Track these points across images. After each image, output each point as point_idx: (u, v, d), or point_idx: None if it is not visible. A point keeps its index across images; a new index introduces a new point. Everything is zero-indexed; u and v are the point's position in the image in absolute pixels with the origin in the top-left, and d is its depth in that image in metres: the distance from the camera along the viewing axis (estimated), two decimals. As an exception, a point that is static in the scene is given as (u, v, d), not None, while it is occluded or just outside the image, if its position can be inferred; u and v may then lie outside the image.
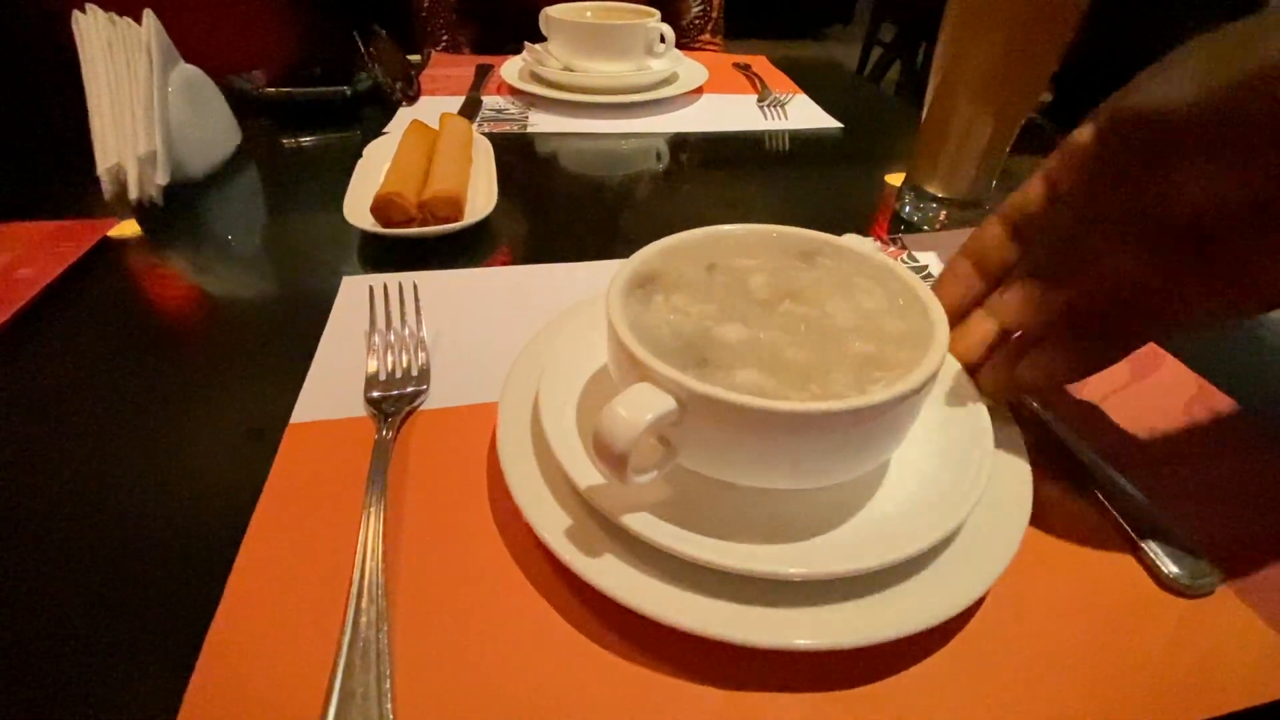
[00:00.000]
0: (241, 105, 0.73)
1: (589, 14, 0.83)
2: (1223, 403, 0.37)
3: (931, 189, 0.54)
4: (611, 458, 0.23)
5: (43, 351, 0.39)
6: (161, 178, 0.51)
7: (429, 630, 0.25)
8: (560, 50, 0.78)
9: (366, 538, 0.27)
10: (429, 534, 0.29)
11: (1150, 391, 0.38)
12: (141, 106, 0.50)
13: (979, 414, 0.30)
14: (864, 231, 0.54)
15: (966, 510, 0.26)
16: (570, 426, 0.29)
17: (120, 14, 0.54)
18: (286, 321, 0.43)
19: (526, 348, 0.34)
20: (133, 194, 0.50)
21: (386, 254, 0.49)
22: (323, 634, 0.24)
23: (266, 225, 0.54)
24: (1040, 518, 0.29)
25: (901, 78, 2.86)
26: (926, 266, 0.49)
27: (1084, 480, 0.32)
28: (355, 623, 0.24)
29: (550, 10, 0.78)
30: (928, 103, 0.52)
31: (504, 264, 0.49)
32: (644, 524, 0.24)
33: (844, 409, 0.22)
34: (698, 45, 1.19)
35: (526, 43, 0.80)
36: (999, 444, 0.30)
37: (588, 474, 0.26)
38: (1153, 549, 0.28)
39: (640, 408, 0.23)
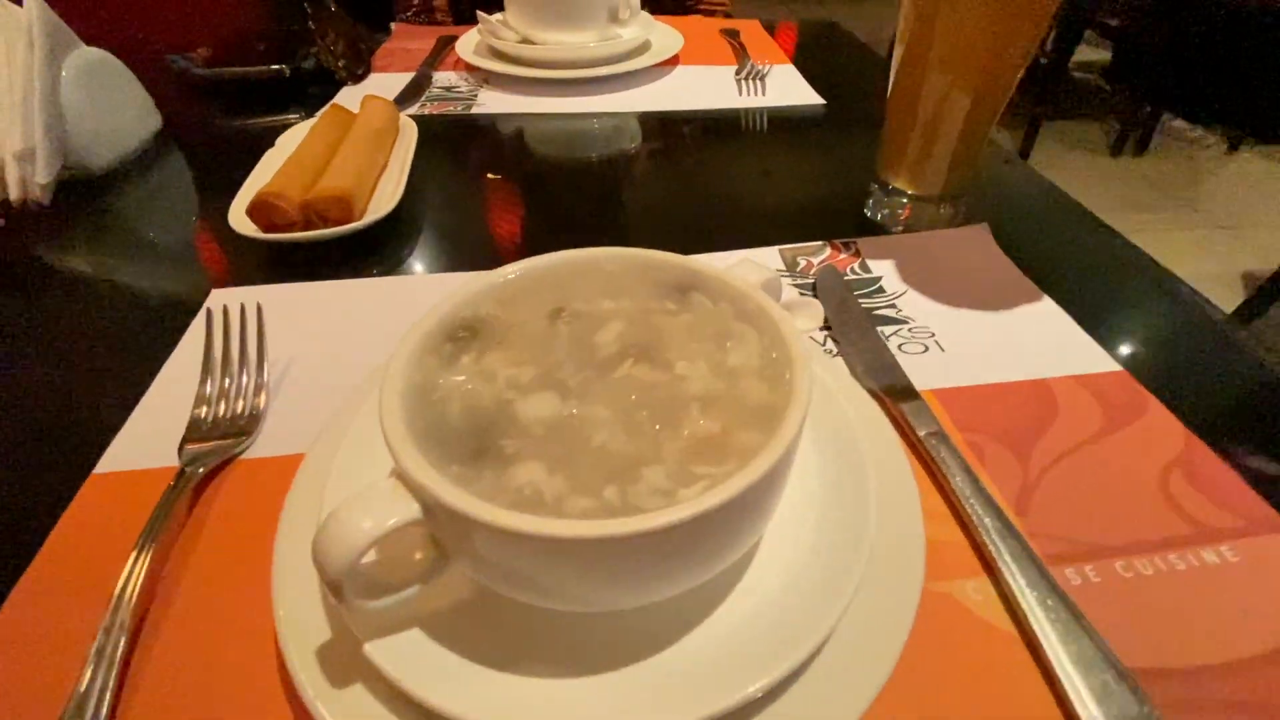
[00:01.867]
0: (179, 87, 0.69)
1: (550, -21, 0.75)
2: (1211, 468, 0.30)
3: (898, 184, 0.46)
4: (327, 579, 0.18)
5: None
6: (43, 176, 0.47)
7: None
8: (518, 20, 0.71)
9: (119, 606, 0.23)
10: (196, 612, 0.24)
11: (1125, 446, 0.31)
12: (20, 97, 0.46)
13: (864, 490, 0.24)
14: (830, 234, 0.46)
15: (817, 640, 0.20)
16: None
17: None
18: (144, 340, 0.39)
19: (343, 408, 0.29)
20: (13, 195, 0.46)
21: (272, 261, 0.44)
22: None
23: (154, 226, 0.50)
24: (932, 618, 0.23)
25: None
26: (879, 279, 0.42)
27: (995, 569, 0.25)
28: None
29: (506, -24, 0.71)
30: (891, 84, 0.45)
31: (410, 272, 0.44)
32: (393, 652, 0.19)
33: (612, 534, 0.17)
34: (704, 8, 1.10)
35: (480, 12, 0.73)
36: (891, 516, 0.24)
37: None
38: (1072, 680, 0.22)
39: (373, 515, 0.18)
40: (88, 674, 0.21)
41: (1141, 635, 0.24)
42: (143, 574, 0.24)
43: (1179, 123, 2.79)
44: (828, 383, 0.29)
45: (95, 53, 0.53)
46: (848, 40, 0.89)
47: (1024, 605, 0.24)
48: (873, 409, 0.30)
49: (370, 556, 0.18)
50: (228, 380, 0.32)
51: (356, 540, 0.17)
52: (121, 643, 0.22)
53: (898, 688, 0.22)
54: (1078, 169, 2.54)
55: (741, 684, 0.19)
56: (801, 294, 0.40)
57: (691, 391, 0.22)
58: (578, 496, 0.19)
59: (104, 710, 0.21)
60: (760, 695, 0.19)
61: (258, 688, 0.22)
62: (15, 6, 0.48)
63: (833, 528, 0.24)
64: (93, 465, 0.30)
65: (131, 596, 0.24)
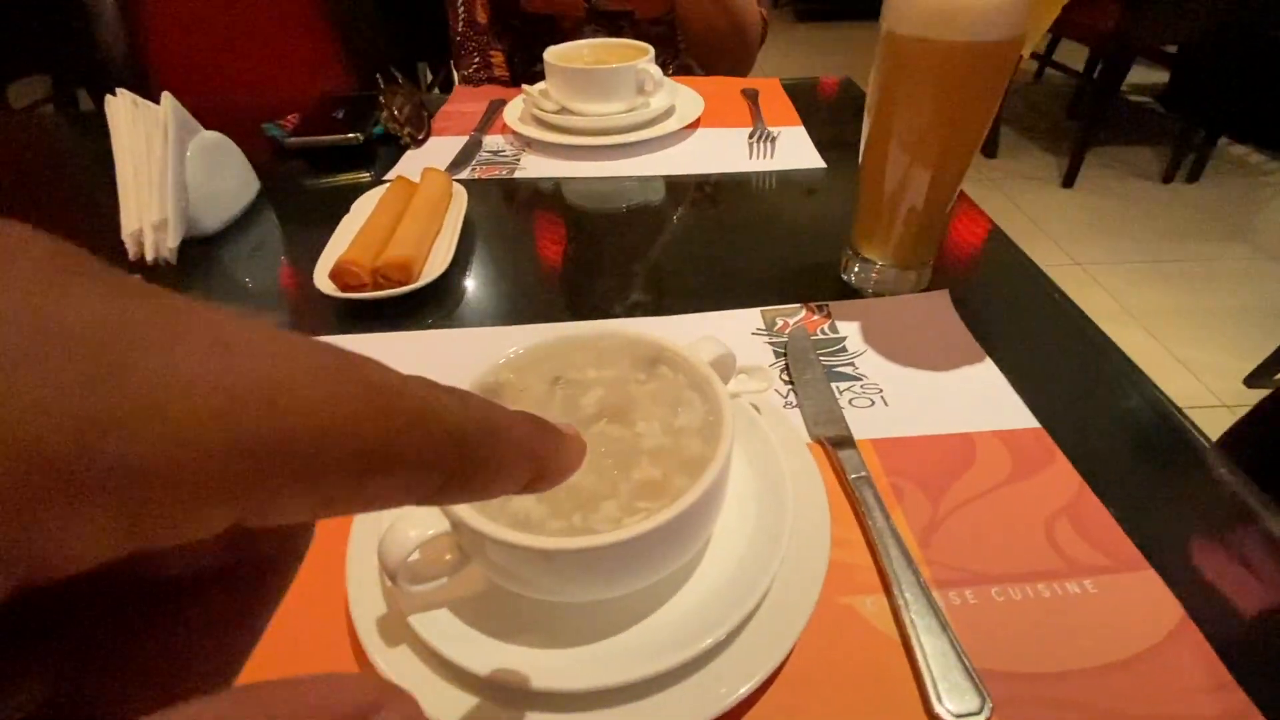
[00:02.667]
0: (273, 151, 0.82)
1: (585, 54, 0.85)
2: (1094, 515, 0.36)
3: (868, 253, 0.54)
4: (387, 569, 0.27)
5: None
6: (172, 241, 0.59)
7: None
8: (557, 92, 0.82)
9: None
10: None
11: (1025, 493, 0.38)
12: (156, 179, 0.58)
13: (783, 517, 0.32)
14: (813, 295, 0.54)
15: (734, 624, 0.28)
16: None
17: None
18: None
19: None
20: (149, 256, 0.58)
21: (348, 315, 0.54)
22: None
23: (256, 282, 0.61)
24: (833, 624, 0.31)
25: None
26: (844, 339, 0.49)
27: (890, 589, 0.32)
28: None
29: (549, 54, 0.81)
30: (860, 159, 0.52)
31: (458, 324, 0.53)
32: (429, 623, 0.28)
33: (569, 548, 0.25)
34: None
35: (525, 85, 0.84)
36: (808, 538, 0.32)
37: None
38: (931, 675, 0.29)
39: (413, 527, 0.27)
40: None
41: (998, 646, 0.31)
42: None
43: (1237, 149, 2.72)
44: (771, 437, 0.37)
45: (212, 136, 0.66)
46: (857, 96, 0.95)
47: (906, 617, 0.31)
48: (806, 456, 0.37)
49: (415, 555, 0.27)
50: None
51: (406, 543, 0.26)
52: None
53: (797, 676, 0.29)
54: (1127, 195, 2.50)
55: (665, 660, 0.27)
56: (776, 354, 0.48)
57: (645, 446, 0.30)
58: (554, 520, 0.27)
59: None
60: (688, 659, 0.27)
61: (332, 644, 0.31)
62: (154, 105, 0.61)
63: (758, 544, 0.32)
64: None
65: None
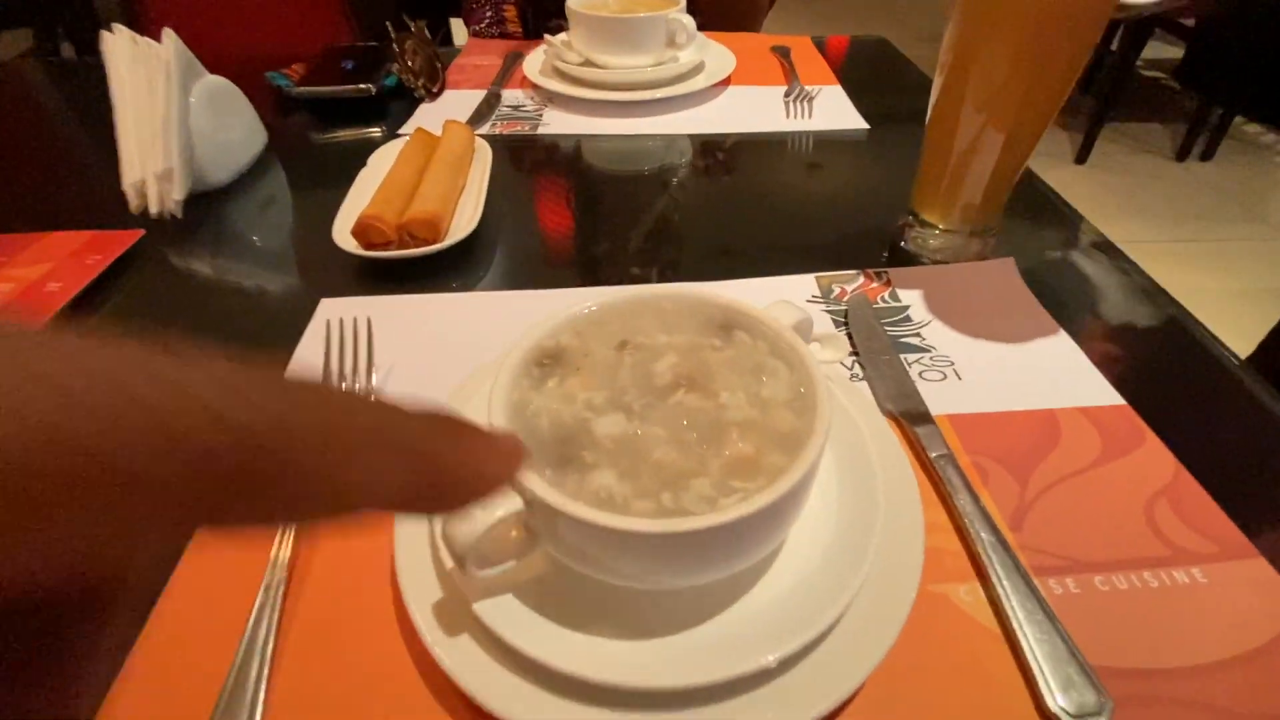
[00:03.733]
0: (278, 101, 0.77)
1: (612, 1, 0.80)
2: (1194, 499, 0.34)
3: (930, 218, 0.50)
4: (454, 554, 0.24)
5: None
6: (178, 193, 0.54)
7: (308, 681, 0.27)
8: (580, 42, 0.77)
9: (272, 577, 0.30)
10: (329, 583, 0.31)
11: (1118, 474, 0.35)
12: (160, 126, 0.54)
13: (874, 501, 0.29)
14: (865, 261, 0.51)
15: (828, 621, 0.25)
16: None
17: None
18: (269, 341, 0.46)
19: (448, 401, 0.35)
20: (153, 209, 0.54)
21: (370, 274, 0.51)
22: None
23: (268, 239, 0.57)
24: (928, 614, 0.28)
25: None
26: (907, 308, 0.46)
27: (986, 576, 0.30)
28: (240, 677, 0.27)
29: (571, 2, 0.76)
30: (928, 118, 0.48)
31: (486, 287, 0.50)
32: (495, 610, 0.25)
33: (667, 531, 0.22)
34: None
35: (546, 35, 0.79)
36: (897, 524, 0.29)
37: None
38: (1043, 672, 0.27)
39: (487, 506, 0.24)
40: (252, 616, 0.28)
41: (1109, 640, 0.28)
42: (290, 543, 0.31)
43: (1252, 128, 2.67)
44: (850, 410, 0.34)
45: (216, 80, 0.61)
46: (895, 58, 0.91)
47: (1007, 607, 0.29)
48: (888, 433, 0.34)
49: (483, 537, 0.24)
50: (343, 386, 0.39)
51: (476, 525, 0.23)
52: (280, 597, 0.29)
53: (894, 670, 0.27)
54: (1139, 172, 2.46)
55: (762, 653, 0.25)
56: (835, 323, 0.44)
57: (731, 418, 0.27)
58: (641, 499, 0.24)
59: (269, 649, 0.27)
60: (775, 664, 0.25)
61: (383, 634, 0.29)
62: (156, 44, 0.56)
63: (847, 530, 0.29)
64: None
65: (283, 560, 0.30)
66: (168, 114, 0.54)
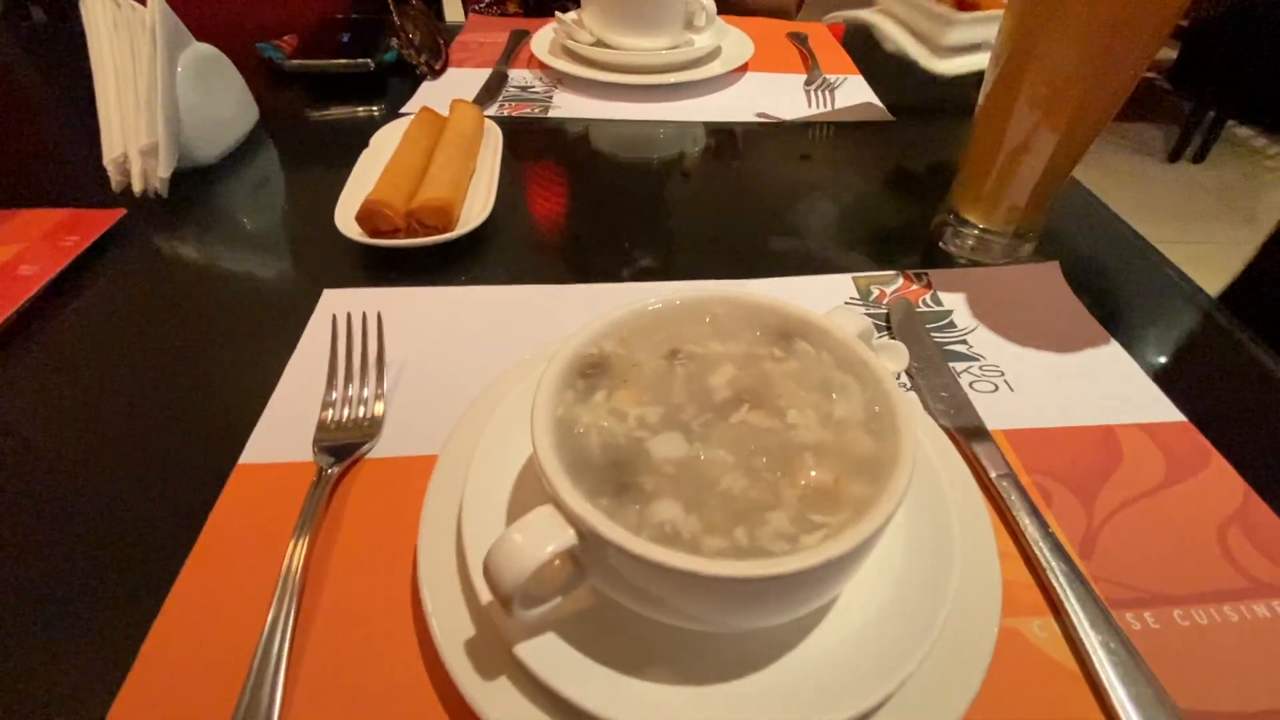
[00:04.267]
0: (269, 75, 0.72)
1: (627, -19, 0.76)
2: (1268, 525, 0.32)
3: (972, 217, 0.48)
4: (499, 594, 0.21)
5: (32, 352, 0.40)
6: (164, 170, 0.50)
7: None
8: (593, 21, 0.73)
9: (284, 592, 0.27)
10: (344, 600, 0.28)
11: (1186, 498, 0.33)
12: (144, 96, 0.49)
13: (948, 541, 0.26)
14: (898, 261, 0.48)
15: (897, 681, 0.23)
16: (498, 522, 0.27)
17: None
18: (267, 333, 0.42)
19: (468, 413, 0.32)
20: (136, 187, 0.50)
21: (374, 263, 0.47)
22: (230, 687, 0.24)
23: (263, 222, 0.53)
24: (1002, 653, 0.26)
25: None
26: (951, 313, 0.43)
27: (1061, 609, 0.28)
28: (253, 699, 0.24)
29: (585, -23, 0.72)
30: (977, 111, 0.46)
31: (498, 280, 0.46)
32: (539, 653, 0.23)
33: (751, 575, 0.19)
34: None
35: (557, 12, 0.75)
36: (971, 557, 0.26)
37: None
38: (1132, 718, 0.24)
39: (537, 540, 0.21)
40: (263, 637, 0.25)
41: (1195, 681, 0.26)
42: (303, 554, 0.28)
43: (1243, 130, 2.69)
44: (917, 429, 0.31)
45: (205, 49, 0.56)
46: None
47: (1087, 646, 0.27)
48: (951, 451, 0.32)
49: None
50: (350, 389, 0.36)
51: (526, 563, 0.20)
52: (293, 610, 0.26)
53: (973, 709, 0.24)
54: (1130, 174, 2.47)
55: (832, 711, 0.22)
56: (877, 328, 0.42)
57: (803, 440, 0.24)
58: (711, 536, 0.21)
59: (281, 674, 0.24)
60: (860, 714, 0.22)
61: (405, 668, 0.26)
62: (141, 6, 0.51)
63: (918, 562, 0.27)
64: (234, 455, 0.34)
65: (296, 572, 0.27)
66: (152, 84, 0.50)
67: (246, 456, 0.34)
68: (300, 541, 0.28)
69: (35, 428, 0.36)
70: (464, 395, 0.34)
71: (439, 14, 1.06)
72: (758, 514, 0.22)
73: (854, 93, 0.73)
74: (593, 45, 0.73)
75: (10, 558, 0.30)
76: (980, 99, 0.45)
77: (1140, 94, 0.43)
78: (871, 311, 0.43)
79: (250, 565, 0.29)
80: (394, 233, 0.46)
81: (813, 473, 0.23)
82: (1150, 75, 3.15)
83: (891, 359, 0.33)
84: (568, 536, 0.21)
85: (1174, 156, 2.53)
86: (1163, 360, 0.41)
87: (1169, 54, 3.06)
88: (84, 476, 0.34)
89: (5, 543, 0.31)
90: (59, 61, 0.78)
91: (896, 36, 0.71)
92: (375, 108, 0.70)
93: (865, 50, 0.81)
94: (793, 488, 0.23)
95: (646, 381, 0.26)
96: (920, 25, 0.69)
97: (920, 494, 0.29)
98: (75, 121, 0.63)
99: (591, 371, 0.27)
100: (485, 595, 0.24)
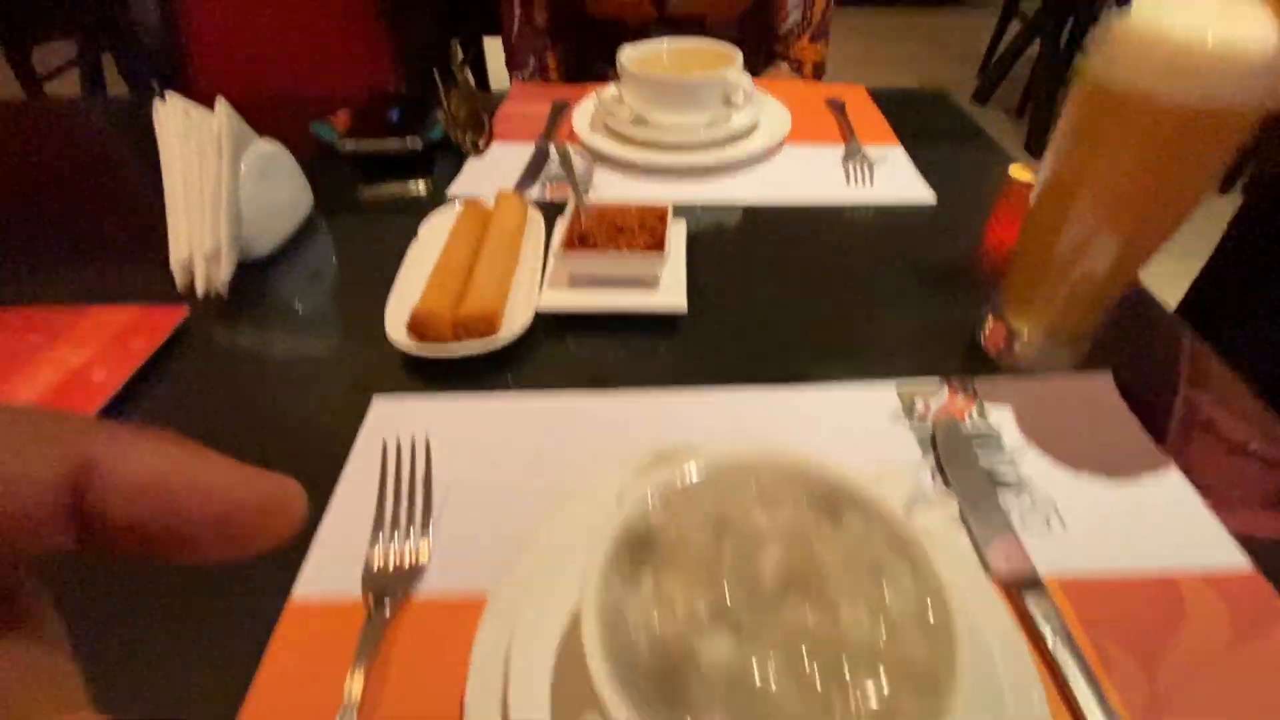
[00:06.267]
0: (320, 151, 0.75)
1: (664, 57, 0.77)
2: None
3: (1020, 324, 0.47)
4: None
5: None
6: (226, 274, 0.53)
7: None
8: (633, 100, 0.74)
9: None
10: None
11: (1257, 662, 0.32)
12: (210, 203, 0.52)
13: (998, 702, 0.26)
14: (941, 361, 0.47)
15: None
16: (543, 687, 0.28)
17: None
18: (319, 444, 0.43)
19: (517, 563, 0.33)
20: (200, 288, 0.52)
21: (423, 369, 0.48)
22: None
23: (315, 321, 0.55)
24: None
25: (1039, 62, 2.55)
26: (999, 432, 0.42)
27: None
28: None
29: (625, 58, 0.74)
30: (1028, 212, 0.45)
31: (543, 377, 0.47)
32: None
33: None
34: (794, 55, 1.10)
35: (597, 90, 0.76)
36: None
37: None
38: None
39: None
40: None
41: None
42: (360, 695, 0.29)
43: None
44: (960, 583, 0.31)
45: (266, 147, 0.59)
46: (955, 115, 0.87)
47: None
48: (1003, 613, 0.31)
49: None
50: (396, 531, 0.36)
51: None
52: None
53: None
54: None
55: None
56: (922, 447, 0.41)
57: (856, 642, 0.24)
58: (762, 759, 0.21)
59: None
60: None
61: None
62: (208, 112, 0.54)
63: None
64: (289, 580, 0.35)
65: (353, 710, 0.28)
66: (217, 192, 0.52)
67: (299, 588, 0.35)
68: (354, 677, 0.29)
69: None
70: (511, 517, 0.34)
71: (483, 82, 1.09)
72: (808, 734, 0.22)
73: (894, 169, 0.72)
74: (633, 122, 0.74)
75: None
76: (1032, 197, 0.44)
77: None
78: (916, 427, 0.43)
79: (306, 703, 0.30)
80: (441, 338, 0.47)
81: (869, 685, 0.23)
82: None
83: (937, 514, 0.33)
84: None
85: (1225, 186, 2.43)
86: (1222, 487, 0.39)
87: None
88: (148, 595, 0.35)
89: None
90: (132, 142, 0.83)
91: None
92: (422, 184, 0.72)
93: (910, 112, 0.81)
94: (844, 703, 0.22)
95: (694, 563, 0.26)
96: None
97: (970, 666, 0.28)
98: (145, 208, 0.66)
99: (641, 548, 0.27)
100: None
